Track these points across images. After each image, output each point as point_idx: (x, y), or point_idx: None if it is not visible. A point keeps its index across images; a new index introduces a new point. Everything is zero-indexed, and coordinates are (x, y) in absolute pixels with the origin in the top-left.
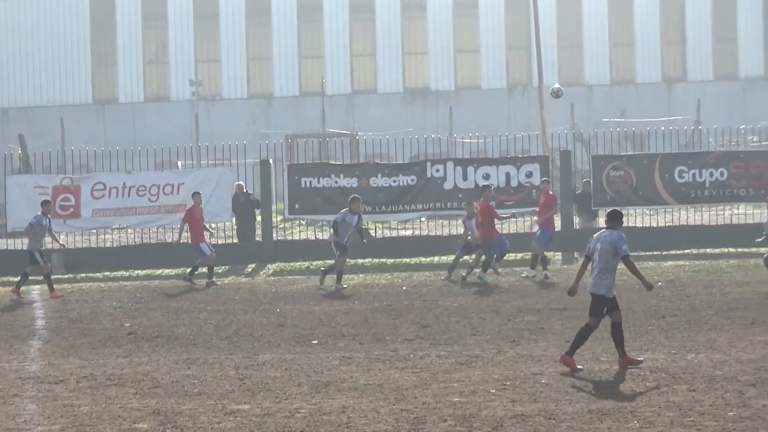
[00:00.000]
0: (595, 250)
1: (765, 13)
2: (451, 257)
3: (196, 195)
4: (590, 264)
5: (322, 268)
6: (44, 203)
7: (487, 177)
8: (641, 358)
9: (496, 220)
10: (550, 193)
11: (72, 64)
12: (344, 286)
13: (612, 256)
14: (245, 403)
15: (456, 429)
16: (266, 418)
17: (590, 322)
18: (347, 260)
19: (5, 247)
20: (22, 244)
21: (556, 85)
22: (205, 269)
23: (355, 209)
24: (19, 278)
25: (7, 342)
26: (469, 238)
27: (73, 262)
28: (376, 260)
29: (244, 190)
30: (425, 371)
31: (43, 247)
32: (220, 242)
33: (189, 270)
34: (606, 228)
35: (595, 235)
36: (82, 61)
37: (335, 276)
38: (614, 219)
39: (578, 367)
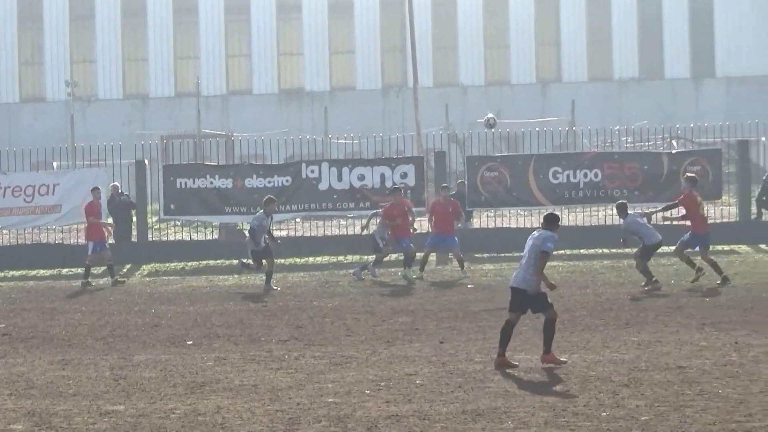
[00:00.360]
0: (526, 245)
1: (639, 15)
2: (319, 258)
3: (95, 190)
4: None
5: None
6: None
7: (362, 178)
8: (565, 359)
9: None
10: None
11: None
12: (275, 287)
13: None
14: (120, 404)
15: (331, 429)
16: (141, 419)
17: (551, 315)
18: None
19: None
20: None
21: (491, 115)
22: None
23: (269, 211)
24: None
25: None
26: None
27: None
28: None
29: (120, 191)
30: (300, 372)
31: None
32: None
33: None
34: (542, 228)
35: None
36: None
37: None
38: (549, 221)
39: (562, 359)
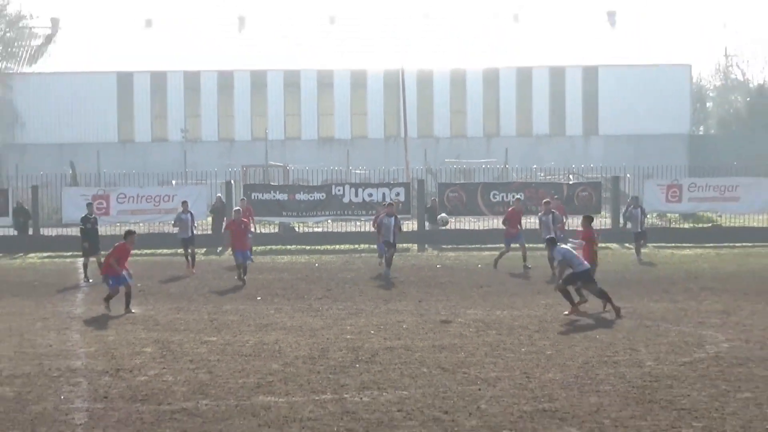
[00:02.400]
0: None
1: (551, 92)
2: (342, 246)
3: (241, 201)
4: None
5: (381, 263)
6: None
7: (370, 195)
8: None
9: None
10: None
11: (105, 114)
12: (393, 275)
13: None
14: (214, 337)
15: (348, 356)
16: (227, 347)
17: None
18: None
19: (62, 233)
20: (73, 231)
21: (444, 215)
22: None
23: (390, 212)
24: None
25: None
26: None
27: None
28: (299, 246)
29: (223, 201)
30: (329, 318)
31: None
32: (199, 233)
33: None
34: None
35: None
36: (110, 111)
37: (386, 264)
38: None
39: None
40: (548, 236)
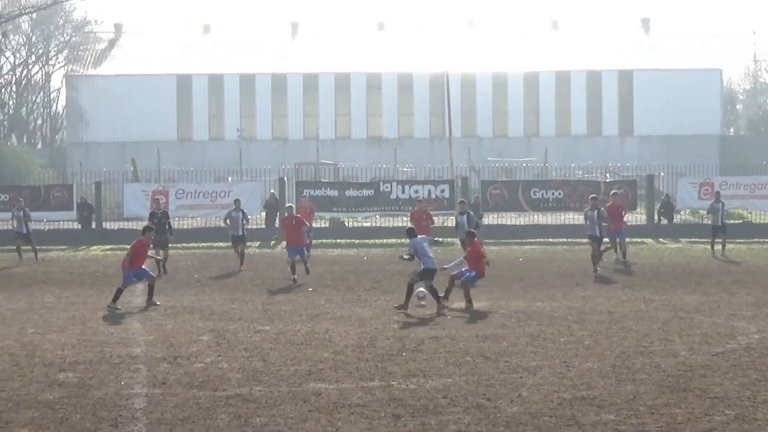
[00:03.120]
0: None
1: (588, 93)
2: (389, 240)
3: (303, 197)
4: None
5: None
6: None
7: (416, 192)
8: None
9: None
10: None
11: (165, 114)
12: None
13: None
14: (267, 326)
15: (395, 344)
16: (279, 335)
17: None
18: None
19: (123, 226)
20: (134, 225)
21: (422, 290)
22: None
23: (462, 210)
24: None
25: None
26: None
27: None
28: (349, 240)
29: (276, 197)
30: (377, 309)
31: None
32: (253, 227)
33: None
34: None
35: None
36: (170, 111)
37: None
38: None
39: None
40: (408, 227)
